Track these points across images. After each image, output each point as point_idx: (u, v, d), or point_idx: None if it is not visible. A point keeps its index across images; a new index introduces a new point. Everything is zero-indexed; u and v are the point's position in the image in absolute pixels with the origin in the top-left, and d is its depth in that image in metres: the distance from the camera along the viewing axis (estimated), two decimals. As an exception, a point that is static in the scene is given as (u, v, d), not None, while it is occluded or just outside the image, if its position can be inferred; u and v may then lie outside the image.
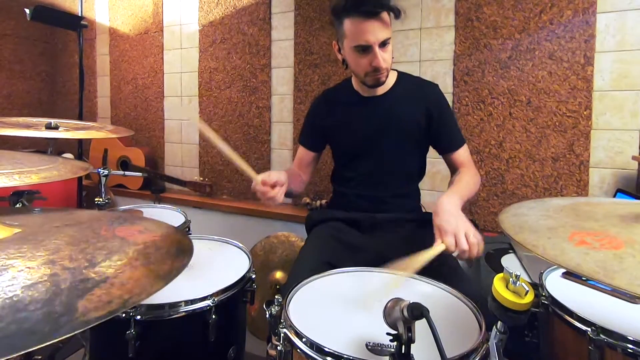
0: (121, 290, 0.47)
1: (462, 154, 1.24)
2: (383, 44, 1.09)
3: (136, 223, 0.73)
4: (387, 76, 1.17)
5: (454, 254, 0.90)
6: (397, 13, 1.10)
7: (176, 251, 0.62)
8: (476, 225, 1.63)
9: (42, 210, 0.81)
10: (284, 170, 1.20)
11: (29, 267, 0.49)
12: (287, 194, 1.18)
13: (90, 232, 0.64)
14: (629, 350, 0.64)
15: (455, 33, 1.70)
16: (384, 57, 1.10)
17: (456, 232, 0.88)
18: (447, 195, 1.00)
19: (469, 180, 1.13)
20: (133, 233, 0.66)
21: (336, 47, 1.21)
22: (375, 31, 1.06)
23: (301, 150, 1.38)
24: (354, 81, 1.28)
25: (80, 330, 0.40)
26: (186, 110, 1.11)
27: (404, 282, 0.87)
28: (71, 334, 0.39)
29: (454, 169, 1.25)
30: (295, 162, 1.40)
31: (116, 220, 0.74)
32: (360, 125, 1.24)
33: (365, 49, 1.09)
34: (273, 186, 1.06)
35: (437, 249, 0.86)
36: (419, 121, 1.23)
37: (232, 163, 1.05)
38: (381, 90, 1.23)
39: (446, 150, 1.25)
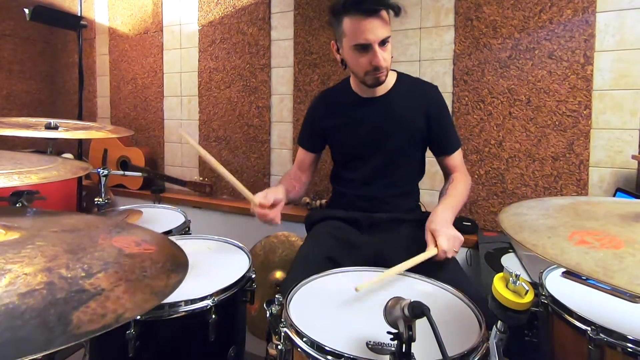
0: (115, 305, 0.47)
1: (456, 158, 1.26)
2: (383, 43, 1.08)
3: (133, 233, 0.72)
4: (386, 75, 1.16)
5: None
6: (397, 11, 1.09)
7: (171, 266, 0.62)
8: (476, 225, 1.65)
9: (37, 212, 0.81)
10: (281, 185, 1.21)
11: (25, 274, 0.49)
12: (287, 203, 1.20)
13: (88, 240, 0.64)
14: (629, 349, 0.64)
15: (454, 32, 1.70)
16: (383, 56, 1.09)
17: (448, 238, 0.96)
18: (442, 209, 1.07)
19: (462, 193, 1.18)
20: (130, 244, 0.66)
21: (335, 47, 1.20)
22: (375, 29, 1.05)
23: (301, 151, 1.38)
24: (352, 82, 1.27)
25: (73, 343, 0.40)
26: (183, 133, 1.13)
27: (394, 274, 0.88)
28: (64, 347, 0.39)
29: (447, 171, 1.28)
30: (295, 164, 1.40)
31: (114, 228, 0.73)
32: (359, 126, 1.24)
33: (365, 48, 1.08)
34: (272, 206, 1.08)
35: (430, 252, 0.94)
36: (419, 122, 1.22)
37: (230, 183, 1.06)
38: (380, 90, 1.22)
39: (442, 152, 1.26)
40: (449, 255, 0.95)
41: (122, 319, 0.45)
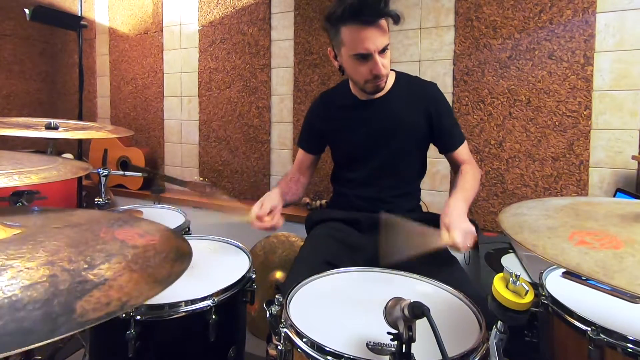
0: (119, 293, 0.47)
1: (463, 152, 1.24)
2: (382, 50, 1.07)
3: (136, 225, 0.72)
4: (386, 81, 1.16)
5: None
6: (396, 19, 1.07)
7: (175, 256, 0.62)
8: (476, 225, 1.65)
9: (42, 209, 0.81)
10: (276, 188, 1.22)
11: (28, 268, 0.49)
12: (284, 206, 1.20)
13: (90, 234, 0.64)
14: (629, 349, 0.64)
15: (455, 33, 1.70)
16: (383, 64, 1.08)
17: (463, 233, 0.93)
18: (455, 200, 1.04)
19: (472, 184, 1.16)
20: (133, 236, 0.66)
21: (332, 53, 1.18)
22: (374, 39, 1.04)
23: (300, 153, 1.38)
24: (351, 84, 1.26)
25: (78, 331, 0.41)
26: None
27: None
28: (69, 334, 0.39)
29: (455, 166, 1.26)
30: (295, 165, 1.40)
31: (116, 222, 0.73)
32: (359, 128, 1.24)
33: (364, 57, 1.07)
34: (270, 213, 1.09)
35: (443, 240, 0.92)
36: (419, 121, 1.22)
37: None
38: (379, 92, 1.21)
39: (447, 149, 1.25)
40: (461, 250, 0.93)
41: (127, 307, 0.45)
